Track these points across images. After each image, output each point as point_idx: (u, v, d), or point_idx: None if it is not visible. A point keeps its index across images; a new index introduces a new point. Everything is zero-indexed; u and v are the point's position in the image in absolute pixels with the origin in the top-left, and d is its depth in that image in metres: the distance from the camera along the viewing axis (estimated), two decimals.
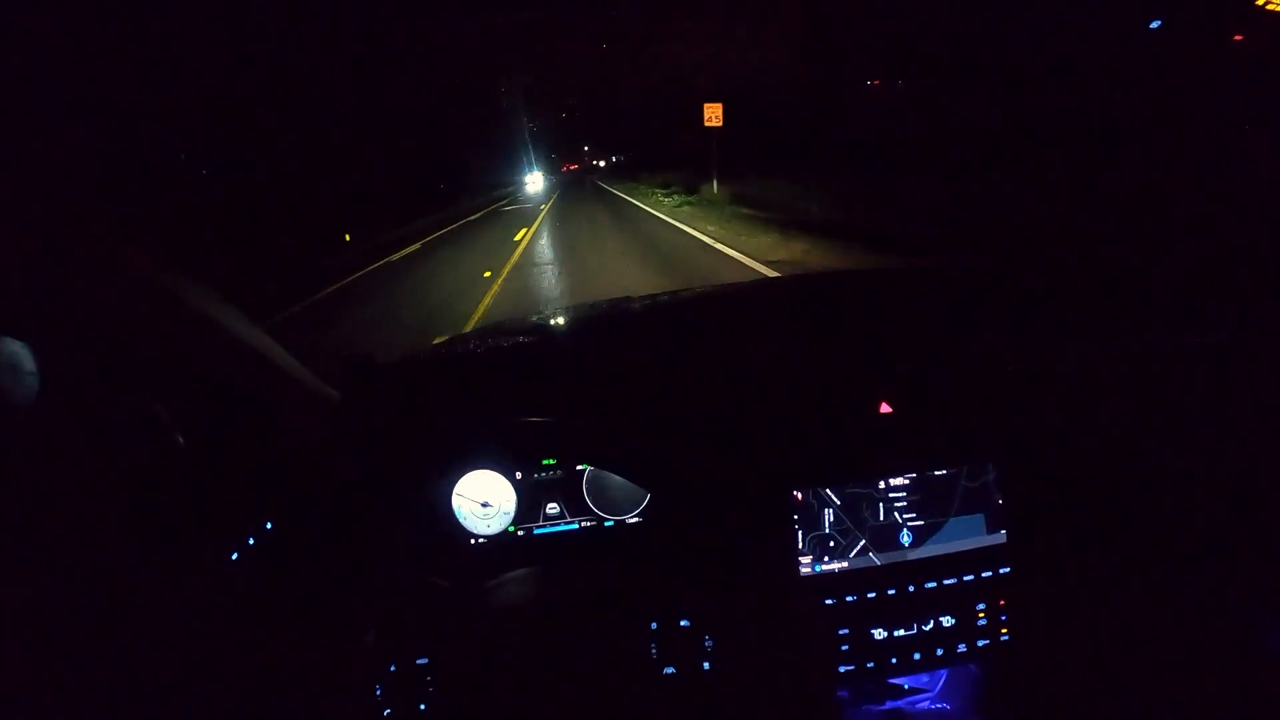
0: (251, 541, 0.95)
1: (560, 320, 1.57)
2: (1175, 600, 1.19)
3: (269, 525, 0.99)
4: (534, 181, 46.92)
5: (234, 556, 0.92)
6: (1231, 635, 1.20)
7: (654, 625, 1.11)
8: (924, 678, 1.28)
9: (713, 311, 1.59)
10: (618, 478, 1.18)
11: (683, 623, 1.11)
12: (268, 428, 1.01)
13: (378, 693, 1.07)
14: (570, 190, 36.03)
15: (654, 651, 1.11)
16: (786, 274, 6.34)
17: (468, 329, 5.08)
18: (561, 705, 1.09)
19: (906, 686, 1.26)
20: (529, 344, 1.34)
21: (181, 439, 0.88)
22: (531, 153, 53.04)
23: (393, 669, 1.07)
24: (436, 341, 1.38)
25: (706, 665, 1.11)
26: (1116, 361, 1.21)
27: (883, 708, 1.25)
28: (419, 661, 1.07)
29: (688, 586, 1.13)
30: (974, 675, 1.26)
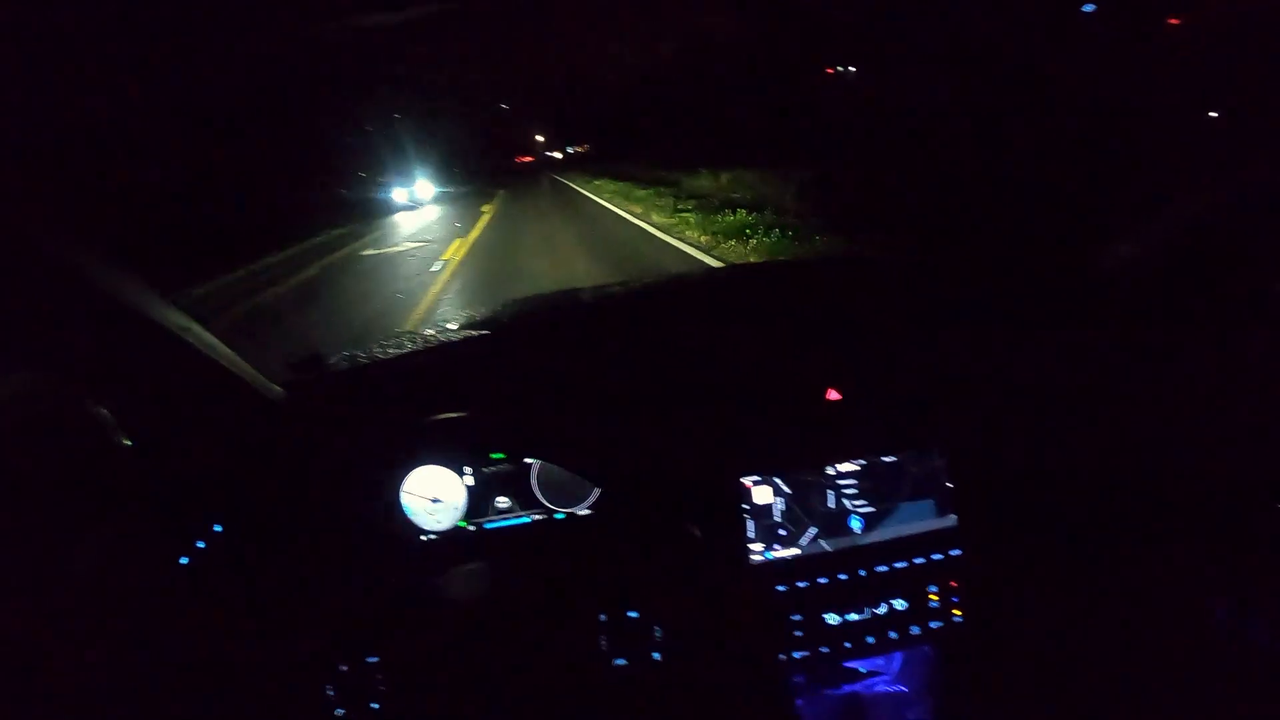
0: (201, 545, 0.93)
1: (509, 313, 1.53)
2: (1124, 580, 1.21)
3: (217, 528, 0.97)
4: (408, 204, 20.31)
5: (183, 561, 0.90)
6: (1180, 615, 1.23)
7: (602, 617, 1.09)
8: (879, 661, 1.29)
9: (661, 302, 1.57)
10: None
11: (630, 614, 1.10)
12: (213, 428, 0.98)
13: (329, 693, 1.04)
14: (517, 226, 13.07)
15: (603, 643, 1.09)
16: (734, 263, 6.34)
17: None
18: (514, 699, 1.07)
19: (863, 670, 1.27)
20: (475, 339, 1.31)
21: (127, 441, 0.85)
22: (411, 149, 23.32)
23: (344, 669, 1.05)
24: (383, 340, 1.34)
25: (657, 655, 1.10)
26: (1064, 350, 1.22)
27: (839, 692, 1.25)
28: (370, 660, 1.05)
29: (636, 577, 1.12)
30: (929, 657, 1.27)
